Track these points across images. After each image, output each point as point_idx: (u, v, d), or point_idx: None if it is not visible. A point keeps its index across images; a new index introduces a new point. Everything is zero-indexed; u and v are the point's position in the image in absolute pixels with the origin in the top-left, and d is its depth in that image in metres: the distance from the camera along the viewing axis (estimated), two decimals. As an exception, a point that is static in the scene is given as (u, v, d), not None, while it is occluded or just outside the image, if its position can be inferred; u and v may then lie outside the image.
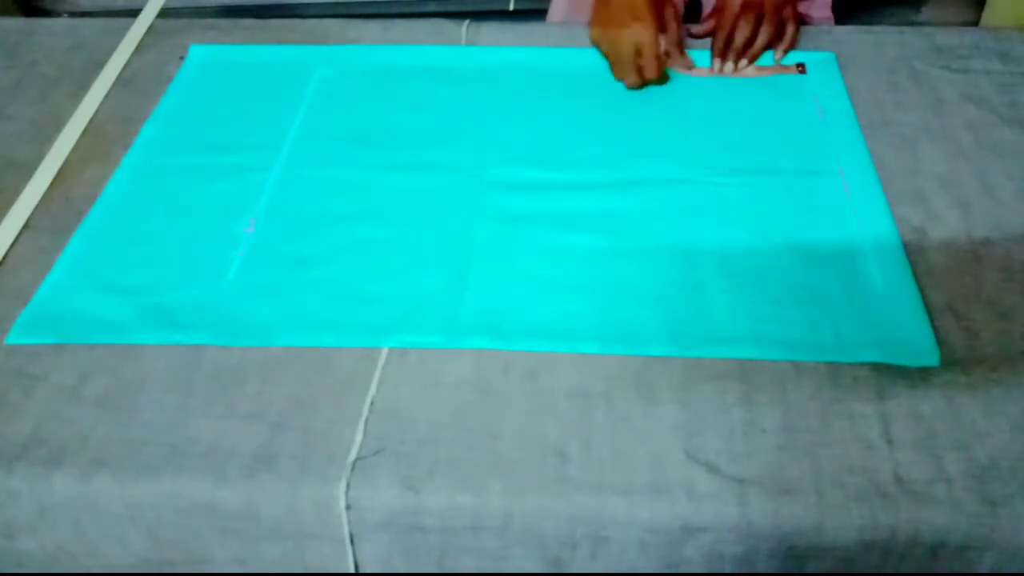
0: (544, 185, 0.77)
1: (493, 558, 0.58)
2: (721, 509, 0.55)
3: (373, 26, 0.96)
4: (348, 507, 0.56)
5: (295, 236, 0.73)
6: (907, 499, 0.55)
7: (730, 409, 0.60)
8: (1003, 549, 0.54)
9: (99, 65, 0.92)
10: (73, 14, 1.51)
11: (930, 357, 0.62)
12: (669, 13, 0.86)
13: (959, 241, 0.71)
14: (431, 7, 1.51)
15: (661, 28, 0.85)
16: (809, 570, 0.56)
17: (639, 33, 0.83)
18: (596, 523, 0.56)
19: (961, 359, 0.62)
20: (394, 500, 0.56)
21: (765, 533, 0.55)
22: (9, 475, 0.58)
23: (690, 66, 0.89)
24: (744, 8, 0.87)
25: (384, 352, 0.64)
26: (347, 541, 0.58)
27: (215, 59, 0.92)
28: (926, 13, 1.47)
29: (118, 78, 0.91)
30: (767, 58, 0.89)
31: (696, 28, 0.92)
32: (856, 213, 0.73)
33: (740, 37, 0.87)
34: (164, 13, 1.01)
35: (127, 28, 0.97)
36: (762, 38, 0.87)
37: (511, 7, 1.54)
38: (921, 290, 0.66)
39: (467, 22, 0.96)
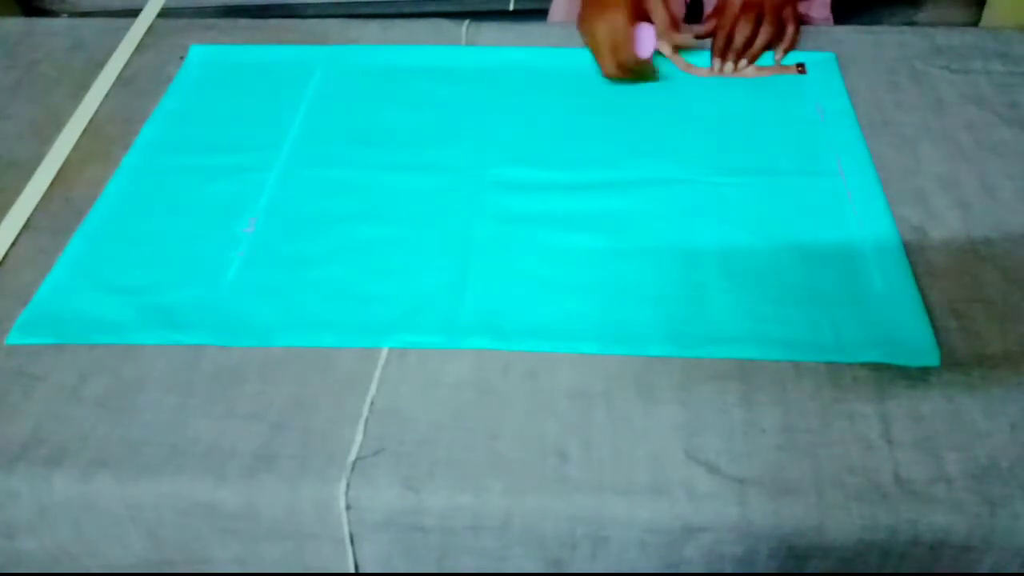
0: (544, 185, 0.77)
1: (493, 558, 0.58)
2: (721, 509, 0.55)
3: (373, 26, 0.96)
4: (348, 507, 0.56)
5: (295, 236, 0.73)
6: (907, 499, 0.55)
7: (730, 409, 0.60)
8: (1003, 549, 0.54)
9: (99, 65, 0.92)
10: (73, 14, 1.51)
11: (930, 357, 0.62)
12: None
13: (959, 241, 0.71)
14: (431, 7, 1.51)
15: (640, 15, 0.85)
16: (809, 570, 0.56)
17: (611, 20, 0.84)
18: (596, 523, 0.56)
19: (961, 359, 0.62)
20: (394, 500, 0.56)
21: (765, 533, 0.55)
22: (9, 475, 0.58)
23: (688, 44, 0.88)
24: (744, 8, 0.87)
25: (384, 352, 0.64)
26: (347, 541, 0.58)
27: (215, 59, 0.92)
28: (926, 13, 1.47)
29: (118, 78, 0.91)
30: (767, 58, 0.89)
31: (696, 28, 0.92)
32: (856, 213, 0.73)
33: (740, 37, 0.87)
34: (164, 13, 1.01)
35: (127, 28, 0.97)
36: (762, 38, 0.87)
37: (511, 7, 1.54)
38: (921, 290, 0.66)
39: (467, 22, 0.96)
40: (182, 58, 0.93)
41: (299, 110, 0.86)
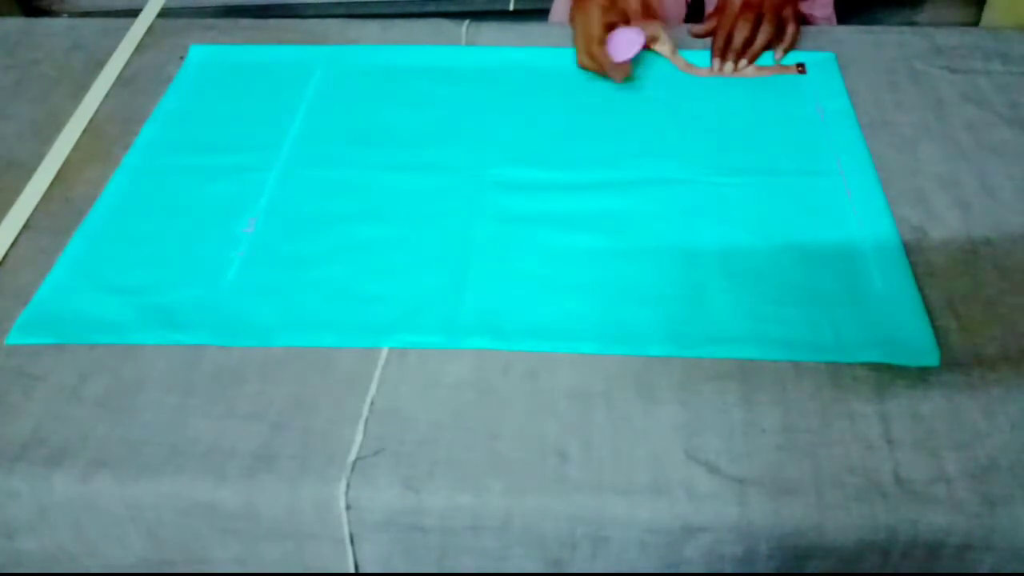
0: (544, 185, 0.77)
1: (493, 558, 0.58)
2: (721, 509, 0.55)
3: (373, 26, 0.96)
4: (348, 507, 0.56)
5: (295, 236, 0.73)
6: (907, 499, 0.55)
7: (730, 409, 0.60)
8: (1003, 549, 0.54)
9: (99, 65, 0.92)
10: (73, 14, 1.51)
11: (930, 357, 0.62)
12: None
13: (959, 241, 0.71)
14: (431, 7, 1.51)
15: (622, 15, 0.85)
16: (809, 570, 0.56)
17: (586, 11, 0.85)
18: (596, 523, 0.56)
19: (961, 359, 0.62)
20: (394, 500, 0.56)
21: (765, 533, 0.55)
22: (9, 475, 0.58)
23: (658, 37, 0.89)
24: (744, 8, 0.87)
25: (384, 352, 0.64)
26: (347, 541, 0.58)
27: (215, 59, 0.92)
28: (926, 13, 1.47)
29: (118, 78, 0.91)
30: (767, 58, 0.89)
31: (696, 28, 0.92)
32: (856, 213, 0.73)
33: (740, 37, 0.87)
34: (164, 13, 1.01)
35: (127, 28, 0.97)
36: (762, 38, 0.87)
37: (511, 7, 1.54)
38: (921, 290, 0.66)
39: (467, 22, 0.96)
40: (182, 58, 0.93)
41: (299, 110, 0.85)
